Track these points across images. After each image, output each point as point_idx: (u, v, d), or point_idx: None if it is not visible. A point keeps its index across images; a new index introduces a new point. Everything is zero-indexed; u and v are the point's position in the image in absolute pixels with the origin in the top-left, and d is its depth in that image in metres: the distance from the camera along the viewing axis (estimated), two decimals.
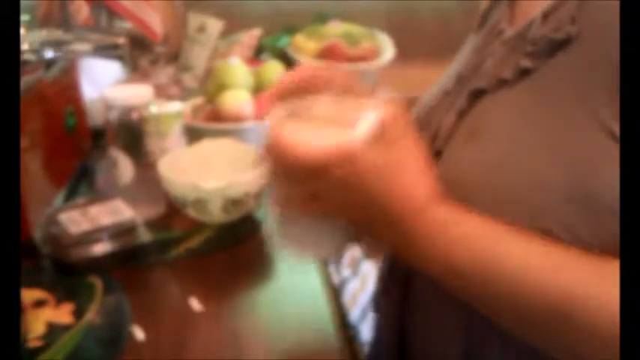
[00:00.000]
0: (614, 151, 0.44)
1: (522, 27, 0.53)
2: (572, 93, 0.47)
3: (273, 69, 1.21)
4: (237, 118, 1.06)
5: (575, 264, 0.45)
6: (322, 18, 1.48)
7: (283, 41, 1.44)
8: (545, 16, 0.51)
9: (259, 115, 1.08)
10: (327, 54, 1.36)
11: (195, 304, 0.68)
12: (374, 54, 1.39)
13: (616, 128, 0.44)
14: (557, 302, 0.44)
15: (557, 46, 0.49)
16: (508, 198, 0.48)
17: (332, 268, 1.25)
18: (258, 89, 1.16)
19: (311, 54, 1.37)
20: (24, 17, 0.76)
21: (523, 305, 0.46)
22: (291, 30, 1.47)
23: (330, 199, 0.49)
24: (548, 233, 0.46)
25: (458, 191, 0.50)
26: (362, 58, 1.37)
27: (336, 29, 1.42)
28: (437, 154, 0.56)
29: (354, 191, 0.47)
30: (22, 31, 0.75)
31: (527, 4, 0.56)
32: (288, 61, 1.37)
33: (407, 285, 0.62)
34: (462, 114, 0.55)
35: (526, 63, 0.51)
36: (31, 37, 0.76)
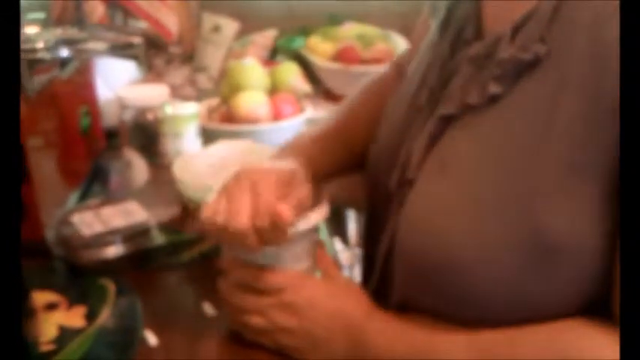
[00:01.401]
0: (572, 185, 0.44)
1: (490, 43, 0.51)
2: (538, 120, 0.46)
3: (288, 70, 1.20)
4: (252, 120, 1.05)
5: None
6: (337, 19, 1.47)
7: (298, 42, 1.43)
8: (514, 33, 0.49)
9: (274, 117, 1.07)
10: (342, 56, 1.35)
11: (208, 308, 0.67)
12: (388, 56, 1.38)
13: (579, 157, 0.44)
14: None
15: (524, 68, 0.48)
16: (465, 243, 0.49)
17: (346, 273, 1.24)
18: (273, 90, 1.15)
19: (325, 56, 1.36)
20: (39, 15, 0.75)
21: None
22: (305, 31, 1.46)
23: (281, 322, 0.57)
24: (494, 287, 0.48)
25: (426, 226, 0.52)
26: (376, 60, 1.35)
27: (350, 31, 1.41)
28: (409, 183, 0.56)
29: (315, 309, 0.57)
30: (37, 29, 0.74)
31: (497, 9, 0.54)
32: (303, 63, 1.36)
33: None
34: (432, 140, 0.55)
35: (494, 89, 0.49)
36: (45, 35, 0.75)
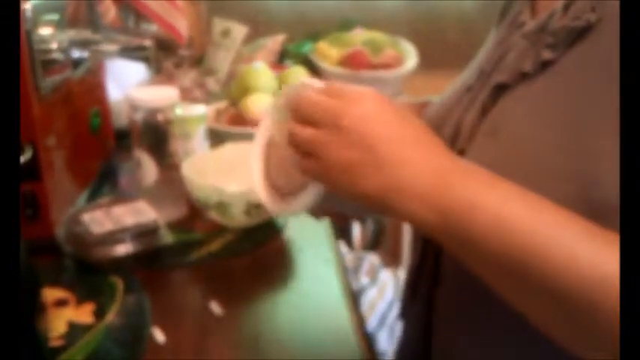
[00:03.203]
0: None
1: (543, 19, 0.53)
2: (589, 82, 0.47)
3: (297, 74, 1.21)
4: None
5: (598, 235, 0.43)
6: (346, 25, 1.48)
7: (307, 47, 1.44)
8: (566, 7, 0.51)
9: None
10: (351, 61, 1.36)
11: (215, 307, 0.68)
12: (397, 61, 1.39)
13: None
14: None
15: (576, 35, 0.49)
16: None
17: (351, 276, 1.25)
18: None
19: (334, 61, 1.37)
20: (53, 16, 0.76)
21: (545, 274, 0.43)
22: (314, 36, 1.47)
23: (342, 147, 0.48)
24: None
25: None
26: (385, 66, 1.37)
27: (359, 36, 1.42)
28: (460, 153, 0.56)
29: (379, 124, 0.48)
30: (52, 30, 0.75)
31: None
32: (312, 67, 1.37)
33: (433, 293, 0.61)
34: (484, 110, 0.55)
35: (546, 55, 0.51)
36: (59, 36, 0.76)
